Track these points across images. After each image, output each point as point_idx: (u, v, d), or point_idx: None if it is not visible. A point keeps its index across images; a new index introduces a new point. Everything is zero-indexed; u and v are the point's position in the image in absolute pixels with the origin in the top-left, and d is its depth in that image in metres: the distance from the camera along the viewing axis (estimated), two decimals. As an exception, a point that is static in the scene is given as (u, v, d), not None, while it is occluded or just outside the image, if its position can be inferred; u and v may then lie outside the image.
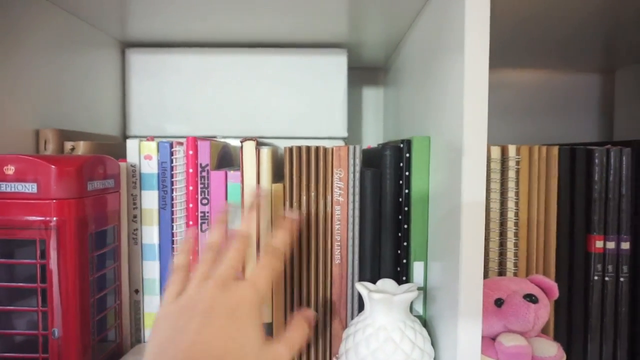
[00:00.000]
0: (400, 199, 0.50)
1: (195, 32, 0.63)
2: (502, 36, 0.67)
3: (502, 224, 0.50)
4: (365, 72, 0.86)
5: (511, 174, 0.50)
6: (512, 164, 0.50)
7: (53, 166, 0.39)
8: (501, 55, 0.79)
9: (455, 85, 0.40)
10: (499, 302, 0.43)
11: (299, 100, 0.69)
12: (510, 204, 0.50)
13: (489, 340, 0.43)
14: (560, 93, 0.91)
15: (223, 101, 0.69)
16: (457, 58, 0.40)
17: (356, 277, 0.50)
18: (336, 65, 0.69)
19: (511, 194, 0.50)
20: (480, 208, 0.38)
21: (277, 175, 0.52)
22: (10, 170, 0.39)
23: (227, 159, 0.59)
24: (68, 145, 0.50)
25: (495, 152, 0.51)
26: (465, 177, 0.39)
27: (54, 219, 0.39)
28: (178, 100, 0.69)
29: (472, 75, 0.38)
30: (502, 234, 0.50)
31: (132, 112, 0.70)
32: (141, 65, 0.69)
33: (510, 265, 0.50)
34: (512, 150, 0.51)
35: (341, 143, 0.71)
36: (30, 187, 0.39)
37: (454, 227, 0.40)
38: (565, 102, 0.91)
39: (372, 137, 0.86)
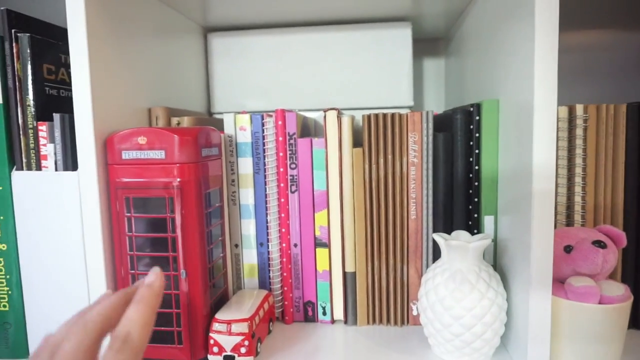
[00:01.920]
0: (471, 159, 0.54)
1: (268, 14, 0.69)
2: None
3: (570, 179, 0.53)
4: (426, 43, 0.89)
5: (579, 132, 0.53)
6: (579, 122, 0.53)
7: (176, 136, 0.47)
8: (572, 16, 0.79)
9: (525, 49, 0.44)
10: (568, 249, 0.47)
11: (368, 73, 0.74)
12: (578, 161, 0.53)
13: (559, 284, 0.47)
14: (631, 53, 0.89)
15: (297, 77, 0.75)
16: (527, 23, 0.43)
17: (430, 231, 0.56)
18: (401, 38, 0.73)
19: (579, 151, 0.53)
20: (550, 165, 0.42)
21: (355, 141, 0.58)
22: (143, 140, 0.47)
23: (306, 130, 0.65)
24: (174, 120, 0.58)
25: (563, 112, 0.53)
26: (536, 136, 0.42)
27: (178, 179, 0.47)
28: (256, 78, 0.76)
29: (543, 38, 0.41)
30: (570, 189, 0.53)
31: (216, 90, 0.77)
32: (222, 48, 0.76)
33: (578, 217, 0.53)
34: (579, 109, 0.53)
35: (407, 111, 0.75)
36: (159, 154, 0.47)
37: (525, 184, 0.44)
38: (636, 62, 0.89)
39: (434, 106, 0.89)
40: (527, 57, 0.43)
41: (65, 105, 0.53)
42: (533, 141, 0.42)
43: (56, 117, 0.49)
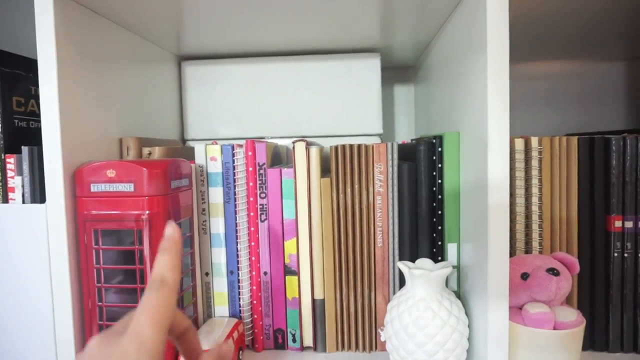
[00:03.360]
0: (434, 188, 0.56)
1: (241, 45, 0.71)
2: (524, 30, 0.72)
3: (527, 207, 0.56)
4: (396, 71, 0.92)
5: (534, 163, 0.56)
6: (535, 154, 0.56)
7: (145, 169, 0.47)
8: (527, 48, 0.84)
9: (479, 82, 0.46)
10: (524, 276, 0.49)
11: (338, 102, 0.77)
12: (535, 190, 0.56)
13: (517, 310, 0.49)
14: (585, 82, 0.94)
15: (269, 105, 0.77)
16: (480, 56, 0.46)
17: (397, 258, 0.57)
18: (370, 68, 0.76)
19: (535, 181, 0.56)
20: (504, 194, 0.44)
21: (323, 170, 0.60)
22: (112, 173, 0.48)
23: (277, 158, 0.66)
24: (146, 150, 0.59)
25: (519, 143, 0.56)
26: (491, 167, 0.45)
27: (147, 212, 0.48)
28: (229, 106, 0.78)
29: (495, 71, 0.44)
30: (528, 217, 0.56)
31: (189, 117, 0.78)
32: (195, 76, 0.78)
33: (535, 244, 0.56)
34: (534, 141, 0.56)
35: (377, 139, 0.77)
36: (128, 187, 0.47)
37: (482, 212, 0.46)
38: (592, 91, 0.94)
39: (404, 133, 0.92)
40: (481, 90, 0.46)
41: (34, 137, 0.53)
42: (488, 172, 0.45)
43: (24, 149, 0.49)
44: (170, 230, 0.36)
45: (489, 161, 0.45)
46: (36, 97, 0.54)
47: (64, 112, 0.48)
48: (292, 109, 0.77)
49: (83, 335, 0.50)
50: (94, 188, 0.48)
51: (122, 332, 0.29)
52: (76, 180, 0.48)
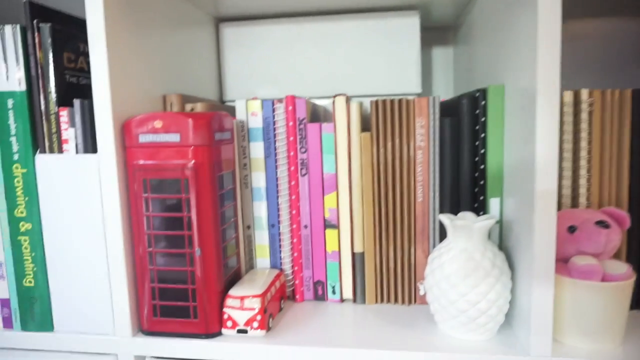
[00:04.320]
0: (477, 143, 0.55)
1: (278, 4, 0.71)
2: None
3: (574, 162, 0.54)
4: (435, 32, 0.89)
5: (584, 116, 0.54)
6: (584, 106, 0.54)
7: (190, 120, 0.49)
8: (575, 5, 0.79)
9: (528, 31, 0.45)
10: (571, 229, 0.48)
11: (376, 61, 0.75)
12: (583, 144, 0.54)
13: (562, 263, 0.49)
14: (634, 40, 0.89)
15: (307, 65, 0.77)
16: (530, 6, 0.44)
17: (437, 212, 0.57)
18: (409, 26, 0.74)
19: (584, 135, 0.54)
20: (553, 148, 0.43)
21: (363, 128, 0.59)
22: (159, 124, 0.49)
23: (315, 117, 0.66)
24: (188, 106, 0.60)
25: (568, 96, 0.54)
26: (539, 120, 0.43)
27: (192, 162, 0.49)
28: (267, 67, 0.78)
29: (545, 23, 0.42)
30: (575, 172, 0.54)
31: (227, 79, 0.79)
32: (233, 38, 0.78)
33: (582, 200, 0.54)
34: (584, 94, 0.54)
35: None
36: (174, 137, 0.49)
37: (528, 166, 0.45)
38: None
39: (442, 93, 0.90)
40: (531, 42, 0.44)
41: (83, 93, 0.55)
42: (536, 125, 0.43)
43: (76, 102, 0.51)
44: None
45: (537, 113, 0.43)
46: (85, 55, 0.56)
47: (112, 68, 0.49)
48: (329, 69, 0.76)
49: (135, 281, 0.52)
50: (142, 139, 0.49)
51: None
52: (125, 132, 0.50)
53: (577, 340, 0.47)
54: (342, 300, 0.60)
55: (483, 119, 0.54)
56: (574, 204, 0.55)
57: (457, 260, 0.48)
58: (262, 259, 0.61)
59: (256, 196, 0.60)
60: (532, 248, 0.44)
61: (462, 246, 0.49)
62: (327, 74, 0.77)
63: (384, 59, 0.75)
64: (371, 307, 0.58)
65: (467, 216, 0.52)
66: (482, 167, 0.55)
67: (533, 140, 0.44)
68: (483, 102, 0.54)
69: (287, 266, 0.60)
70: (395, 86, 0.75)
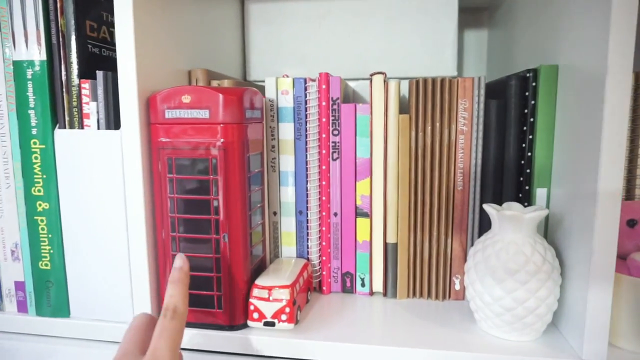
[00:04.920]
0: (525, 128, 0.51)
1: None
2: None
3: (632, 151, 0.50)
4: (469, 14, 0.84)
5: (644, 101, 0.49)
6: (645, 91, 0.49)
7: (221, 95, 0.45)
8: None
9: (597, 10, 0.40)
10: (631, 223, 0.44)
11: (411, 41, 0.71)
12: (642, 132, 0.50)
13: (619, 260, 0.45)
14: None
15: (337, 45, 0.73)
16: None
17: (477, 203, 0.53)
18: (447, 5, 0.70)
19: (643, 122, 0.49)
20: (621, 134, 0.39)
21: (400, 111, 0.55)
22: (187, 99, 0.46)
23: (345, 99, 0.63)
24: (214, 83, 0.57)
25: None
26: (608, 103, 0.39)
27: (222, 140, 0.46)
28: (293, 46, 0.74)
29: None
30: (632, 162, 0.50)
31: (252, 57, 0.76)
32: (259, 14, 0.74)
33: (639, 192, 0.50)
34: (645, 77, 0.49)
35: (450, 83, 0.72)
36: (203, 113, 0.45)
37: (591, 153, 0.41)
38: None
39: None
40: (599, 19, 0.40)
41: (105, 65, 0.52)
42: (604, 110, 0.39)
43: (99, 74, 0.48)
44: (180, 261, 0.41)
45: (605, 96, 0.39)
46: (108, 24, 0.52)
47: (138, 39, 0.46)
48: (360, 48, 0.72)
49: (156, 263, 0.50)
50: (169, 114, 0.46)
51: (137, 354, 0.35)
52: (150, 107, 0.47)
53: (635, 345, 0.43)
54: (371, 293, 0.57)
55: (533, 102, 0.50)
56: (629, 196, 0.51)
57: (505, 253, 0.45)
58: (288, 248, 0.58)
59: (284, 181, 0.57)
60: (592, 245, 0.40)
61: (510, 238, 0.45)
62: (358, 54, 0.73)
63: (419, 38, 0.71)
64: (402, 302, 0.55)
65: (513, 207, 0.49)
66: (529, 154, 0.51)
67: (599, 126, 0.40)
68: (534, 84, 0.50)
69: (314, 256, 0.57)
70: (430, 68, 0.71)
